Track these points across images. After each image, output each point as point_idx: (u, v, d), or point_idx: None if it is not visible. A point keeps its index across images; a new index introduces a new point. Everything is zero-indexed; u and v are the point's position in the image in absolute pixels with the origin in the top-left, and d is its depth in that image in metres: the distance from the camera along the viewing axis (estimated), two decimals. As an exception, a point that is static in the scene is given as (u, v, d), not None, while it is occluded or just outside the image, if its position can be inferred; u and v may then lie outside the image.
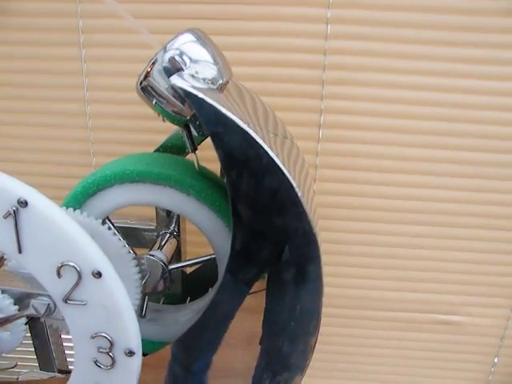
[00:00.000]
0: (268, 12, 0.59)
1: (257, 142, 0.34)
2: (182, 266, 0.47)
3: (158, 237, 0.51)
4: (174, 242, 0.51)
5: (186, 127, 0.42)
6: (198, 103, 0.33)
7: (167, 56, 0.36)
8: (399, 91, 0.62)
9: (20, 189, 0.30)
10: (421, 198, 0.68)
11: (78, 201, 0.40)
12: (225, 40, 0.50)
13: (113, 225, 0.45)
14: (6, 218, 0.31)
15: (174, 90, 0.37)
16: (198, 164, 0.43)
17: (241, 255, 0.37)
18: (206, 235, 0.42)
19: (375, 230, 0.70)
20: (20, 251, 0.32)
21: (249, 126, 0.34)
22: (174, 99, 0.37)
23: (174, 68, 0.37)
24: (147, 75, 0.38)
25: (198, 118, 0.34)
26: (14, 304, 0.36)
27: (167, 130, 0.66)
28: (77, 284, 0.32)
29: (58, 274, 0.32)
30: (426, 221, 0.69)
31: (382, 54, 0.60)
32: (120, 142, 0.69)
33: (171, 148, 0.48)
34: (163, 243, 0.50)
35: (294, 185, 0.34)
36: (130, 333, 0.33)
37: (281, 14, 0.59)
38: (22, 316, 0.36)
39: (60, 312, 0.35)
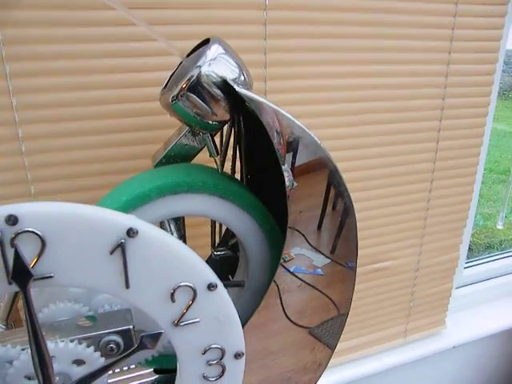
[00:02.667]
0: None
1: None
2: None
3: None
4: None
5: (211, 134, 0.43)
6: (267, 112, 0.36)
7: (205, 71, 0.37)
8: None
9: (125, 218, 0.29)
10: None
11: (159, 193, 0.39)
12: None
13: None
14: (112, 253, 0.29)
15: (215, 100, 0.38)
16: (221, 167, 0.45)
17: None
18: (250, 257, 0.44)
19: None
20: (128, 286, 0.30)
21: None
22: (214, 109, 0.38)
23: (211, 81, 0.38)
24: (182, 90, 0.38)
25: (262, 120, 0.36)
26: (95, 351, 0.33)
27: (110, 142, 0.63)
28: (192, 303, 0.31)
29: (172, 299, 0.31)
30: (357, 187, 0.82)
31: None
32: (60, 164, 0.62)
33: (174, 157, 0.48)
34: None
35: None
36: (239, 335, 0.34)
37: None
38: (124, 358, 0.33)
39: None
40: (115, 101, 0.61)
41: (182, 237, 0.52)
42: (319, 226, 0.44)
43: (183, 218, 0.49)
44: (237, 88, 0.36)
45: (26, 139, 0.59)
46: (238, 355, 0.35)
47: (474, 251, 1.93)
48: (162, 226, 0.48)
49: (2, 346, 0.32)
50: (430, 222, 0.91)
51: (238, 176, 0.51)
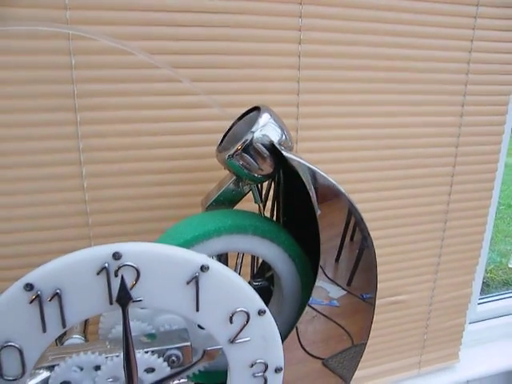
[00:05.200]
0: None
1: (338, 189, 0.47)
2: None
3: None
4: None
5: (256, 185, 0.52)
6: (306, 170, 0.45)
7: (257, 136, 0.46)
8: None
9: (200, 257, 0.37)
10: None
11: (224, 231, 0.47)
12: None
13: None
14: (188, 283, 0.37)
15: (263, 158, 0.47)
16: (263, 212, 0.53)
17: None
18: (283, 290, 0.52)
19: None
20: (198, 310, 0.38)
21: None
22: (262, 166, 0.48)
23: (261, 144, 0.47)
24: (237, 150, 0.47)
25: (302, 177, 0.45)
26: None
27: (161, 182, 0.72)
28: (245, 324, 0.39)
29: (231, 321, 0.39)
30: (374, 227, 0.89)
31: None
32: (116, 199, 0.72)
33: (223, 201, 0.56)
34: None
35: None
36: (280, 353, 0.42)
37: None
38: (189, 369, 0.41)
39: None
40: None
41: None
42: (337, 259, 0.49)
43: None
44: (284, 153, 0.45)
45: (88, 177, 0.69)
46: (278, 369, 0.43)
47: (491, 287, 1.95)
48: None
49: (92, 353, 0.41)
50: (443, 260, 0.98)
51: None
